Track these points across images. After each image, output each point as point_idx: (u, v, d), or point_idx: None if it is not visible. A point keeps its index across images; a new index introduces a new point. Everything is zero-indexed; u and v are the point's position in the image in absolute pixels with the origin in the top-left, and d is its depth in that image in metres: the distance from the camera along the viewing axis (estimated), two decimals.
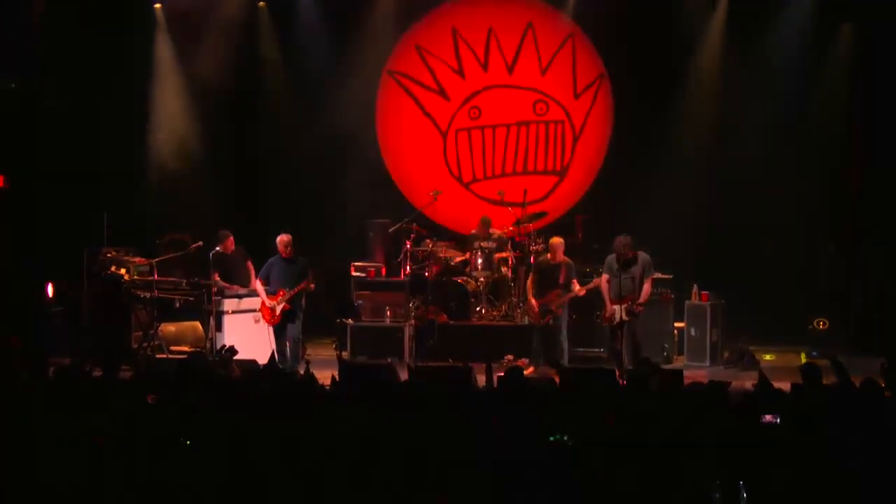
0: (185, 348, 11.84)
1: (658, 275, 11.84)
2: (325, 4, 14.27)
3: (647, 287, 10.78)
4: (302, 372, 8.04)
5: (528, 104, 14.53)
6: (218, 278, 11.71)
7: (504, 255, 13.00)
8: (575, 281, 11.28)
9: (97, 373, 7.39)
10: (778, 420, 5.85)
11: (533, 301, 11.44)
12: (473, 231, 13.29)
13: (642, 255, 10.81)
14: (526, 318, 11.94)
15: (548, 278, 11.36)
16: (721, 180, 13.61)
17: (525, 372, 9.19)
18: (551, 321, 11.27)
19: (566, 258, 11.44)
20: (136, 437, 5.71)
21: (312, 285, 11.05)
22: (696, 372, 11.33)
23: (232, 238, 11.96)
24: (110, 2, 13.47)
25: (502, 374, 6.92)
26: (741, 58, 13.55)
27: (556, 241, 11.47)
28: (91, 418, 5.98)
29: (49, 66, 13.10)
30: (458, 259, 13.18)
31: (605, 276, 10.94)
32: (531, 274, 11.75)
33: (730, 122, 13.65)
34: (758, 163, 13.50)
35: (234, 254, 12.03)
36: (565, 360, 11.17)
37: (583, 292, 11.20)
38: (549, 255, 11.55)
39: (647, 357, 9.45)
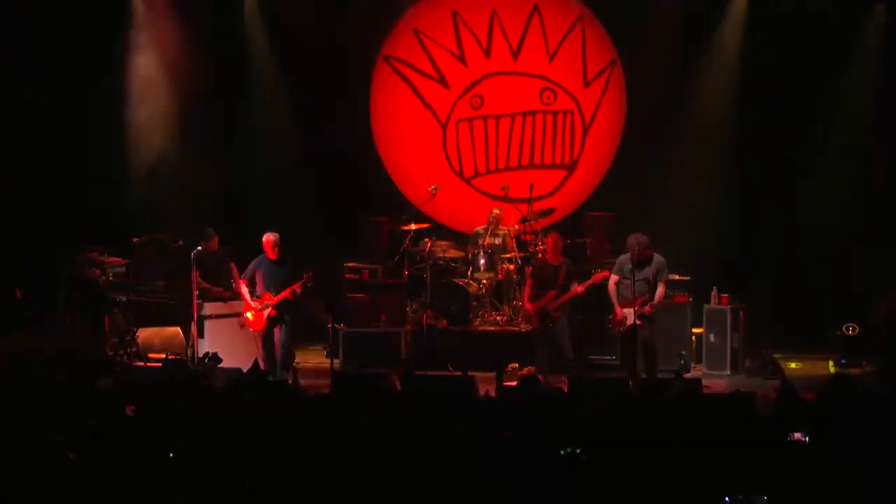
0: (164, 356, 11.83)
1: (675, 276, 11.87)
2: None
3: (661, 289, 10.79)
4: (291, 381, 8.07)
5: (534, 92, 14.53)
6: (200, 279, 11.73)
7: (509, 254, 13.03)
8: (575, 281, 11.30)
9: (71, 380, 7.39)
10: (807, 439, 5.86)
11: (528, 306, 11.44)
12: (479, 227, 13.33)
13: (657, 257, 10.82)
14: (525, 324, 11.96)
15: (546, 281, 11.35)
16: (743, 175, 13.61)
17: None
18: (552, 325, 11.25)
19: (565, 258, 11.45)
20: (115, 453, 5.72)
21: (299, 290, 11.04)
22: (716, 381, 11.37)
23: (217, 237, 11.97)
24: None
25: (509, 383, 6.93)
26: (765, 36, 13.49)
27: (553, 239, 11.46)
28: (62, 428, 5.98)
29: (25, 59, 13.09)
30: (459, 259, 13.21)
31: (613, 278, 10.92)
32: (528, 278, 11.76)
33: (752, 111, 13.64)
34: (782, 157, 13.51)
35: (218, 253, 12.04)
36: (572, 369, 11.16)
37: (581, 290, 11.17)
38: (546, 255, 11.56)
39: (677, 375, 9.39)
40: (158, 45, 13.83)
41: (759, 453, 5.69)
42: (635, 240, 10.76)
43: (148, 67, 13.86)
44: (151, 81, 13.88)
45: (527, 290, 11.59)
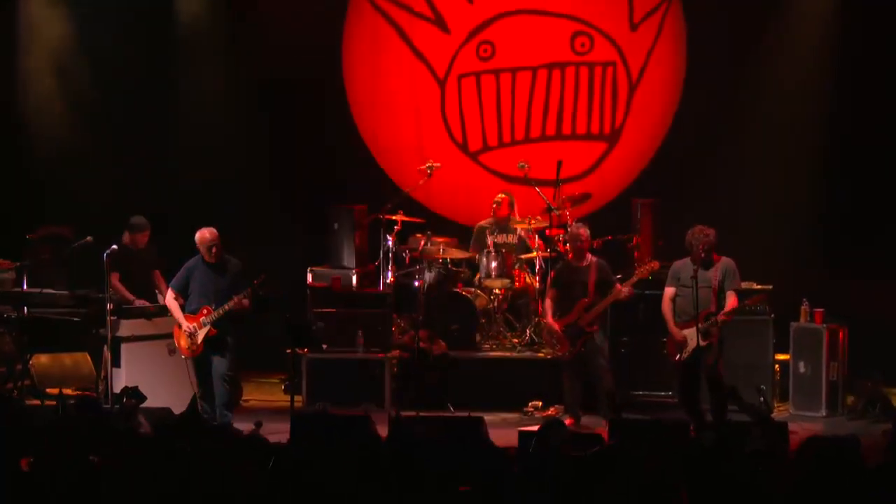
0: (68, 390, 11.82)
1: (751, 284, 11.84)
2: None
3: (732, 299, 10.77)
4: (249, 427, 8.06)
5: (563, 38, 14.53)
6: (118, 284, 11.71)
7: (530, 255, 13.02)
8: (617, 284, 11.33)
9: None
10: None
11: (553, 324, 11.46)
12: (485, 220, 13.32)
13: (725, 261, 10.81)
14: (548, 349, 11.95)
15: (573, 289, 11.37)
16: (841, 150, 13.61)
17: None
18: (583, 347, 11.27)
19: (595, 257, 11.47)
20: None
21: (247, 301, 11.03)
22: (808, 425, 11.37)
23: (148, 231, 11.99)
24: None
25: (528, 427, 6.91)
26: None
27: (578, 232, 11.47)
28: None
29: None
30: (463, 262, 13.20)
31: (668, 291, 10.92)
32: (549, 288, 11.77)
33: (852, 64, 13.64)
34: (886, 127, 13.51)
35: (147, 253, 12.05)
36: (614, 404, 11.13)
37: (626, 291, 11.21)
38: (570, 255, 11.56)
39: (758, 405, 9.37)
40: None
41: None
42: (700, 233, 10.73)
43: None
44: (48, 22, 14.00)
45: (548, 303, 11.61)
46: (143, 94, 14.20)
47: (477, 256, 13.06)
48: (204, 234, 11.14)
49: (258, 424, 9.11)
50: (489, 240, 13.04)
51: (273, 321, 11.98)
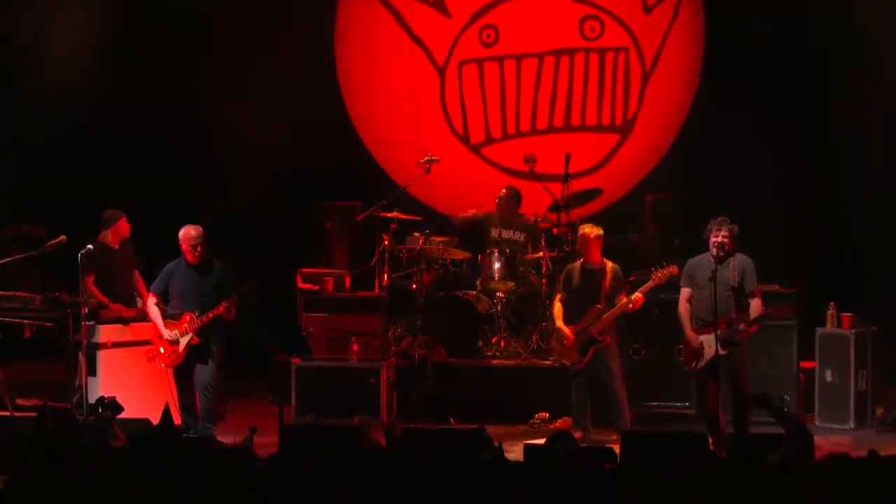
0: (39, 402, 11.83)
1: (774, 287, 11.85)
2: None
3: (756, 302, 10.70)
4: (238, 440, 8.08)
5: (572, 22, 14.59)
6: (93, 287, 11.75)
7: (536, 255, 13.06)
8: (624, 292, 11.33)
9: None
10: None
11: (565, 329, 11.50)
12: (488, 211, 13.35)
13: (741, 258, 10.73)
14: (557, 357, 11.97)
15: (584, 293, 11.37)
16: (873, 141, 13.64)
17: None
18: (594, 356, 11.29)
19: (607, 260, 11.48)
20: None
21: (233, 311, 11.00)
22: (835, 438, 11.41)
23: (127, 226, 11.98)
24: None
25: (534, 440, 6.92)
26: None
27: (589, 232, 11.48)
28: None
29: None
30: (464, 263, 13.24)
31: (684, 293, 10.89)
32: (557, 292, 11.79)
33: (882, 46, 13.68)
34: None
35: (124, 253, 12.07)
36: (626, 420, 11.22)
37: (637, 302, 11.20)
38: (579, 257, 11.57)
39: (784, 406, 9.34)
40: None
41: None
42: (718, 229, 10.69)
43: None
44: None
45: (558, 308, 11.63)
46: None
47: (480, 256, 13.07)
48: (189, 232, 11.12)
49: (252, 430, 9.17)
50: (493, 231, 13.05)
51: (256, 324, 12.01)
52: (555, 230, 13.05)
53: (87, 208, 12.48)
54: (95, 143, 14.18)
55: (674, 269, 11.07)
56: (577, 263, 11.66)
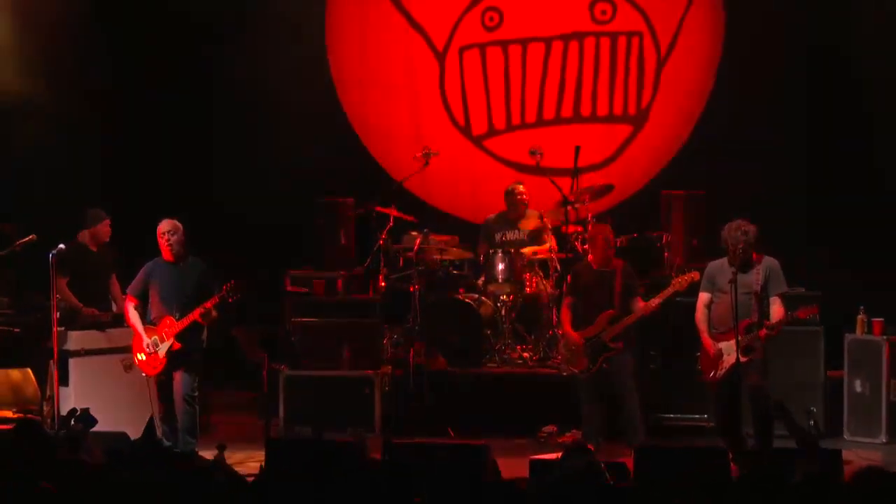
0: (7, 413, 11.84)
1: (801, 290, 11.81)
2: None
3: (777, 308, 10.72)
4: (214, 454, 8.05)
5: (581, 4, 14.59)
6: (67, 290, 11.73)
7: (543, 255, 13.04)
8: (639, 298, 11.33)
9: None
10: None
11: (574, 335, 11.48)
12: (493, 215, 13.35)
13: (767, 261, 10.75)
14: (566, 366, 11.95)
15: (594, 296, 11.39)
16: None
17: None
18: (606, 364, 11.28)
19: (620, 260, 11.49)
20: None
21: (215, 312, 11.00)
22: (865, 453, 11.35)
23: (108, 231, 11.99)
24: None
25: (541, 455, 6.88)
26: None
27: (599, 230, 11.51)
28: None
29: None
30: (466, 264, 13.22)
31: (702, 298, 10.88)
32: (565, 295, 11.79)
33: None
34: None
35: (102, 254, 12.06)
36: (640, 434, 11.21)
37: (656, 305, 11.19)
38: (589, 257, 11.57)
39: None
40: None
41: None
42: (738, 229, 10.68)
43: None
44: None
45: (566, 312, 11.63)
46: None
47: (483, 257, 13.05)
48: (167, 227, 11.11)
49: (221, 448, 9.13)
50: (497, 236, 13.07)
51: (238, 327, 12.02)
52: (564, 229, 13.01)
53: (70, 206, 12.48)
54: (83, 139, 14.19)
55: (695, 274, 11.06)
56: (585, 264, 11.65)
